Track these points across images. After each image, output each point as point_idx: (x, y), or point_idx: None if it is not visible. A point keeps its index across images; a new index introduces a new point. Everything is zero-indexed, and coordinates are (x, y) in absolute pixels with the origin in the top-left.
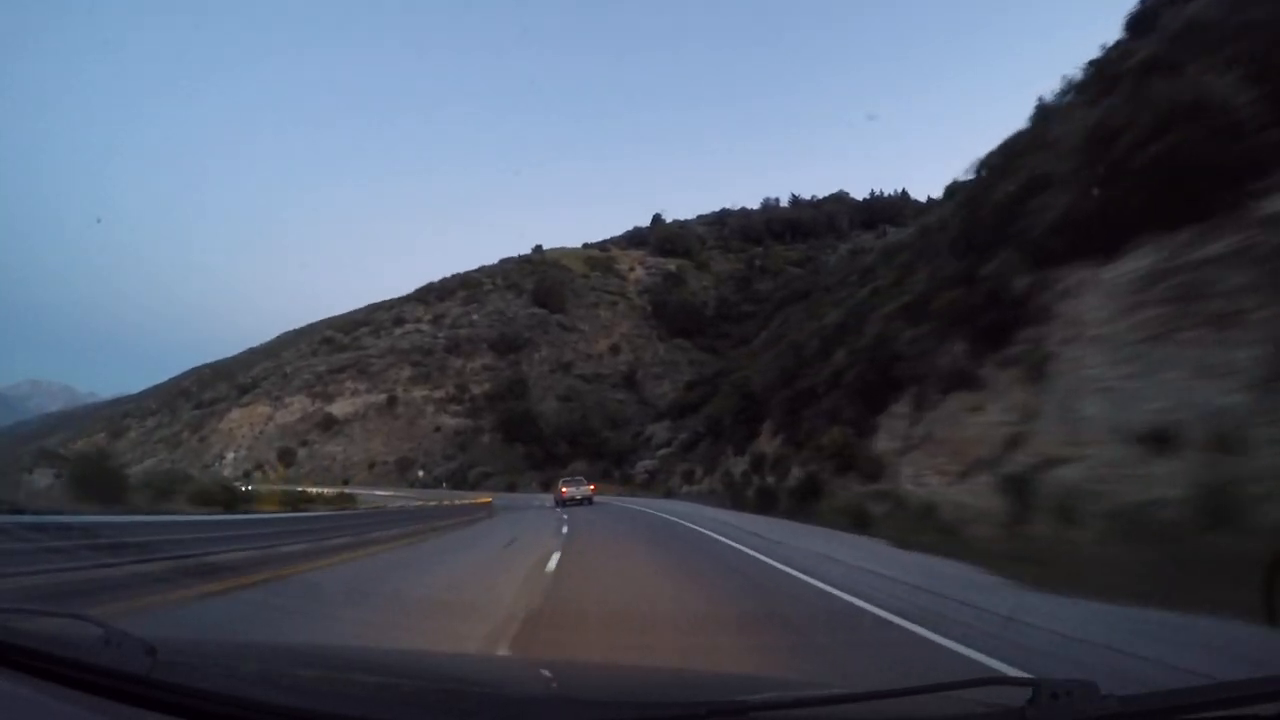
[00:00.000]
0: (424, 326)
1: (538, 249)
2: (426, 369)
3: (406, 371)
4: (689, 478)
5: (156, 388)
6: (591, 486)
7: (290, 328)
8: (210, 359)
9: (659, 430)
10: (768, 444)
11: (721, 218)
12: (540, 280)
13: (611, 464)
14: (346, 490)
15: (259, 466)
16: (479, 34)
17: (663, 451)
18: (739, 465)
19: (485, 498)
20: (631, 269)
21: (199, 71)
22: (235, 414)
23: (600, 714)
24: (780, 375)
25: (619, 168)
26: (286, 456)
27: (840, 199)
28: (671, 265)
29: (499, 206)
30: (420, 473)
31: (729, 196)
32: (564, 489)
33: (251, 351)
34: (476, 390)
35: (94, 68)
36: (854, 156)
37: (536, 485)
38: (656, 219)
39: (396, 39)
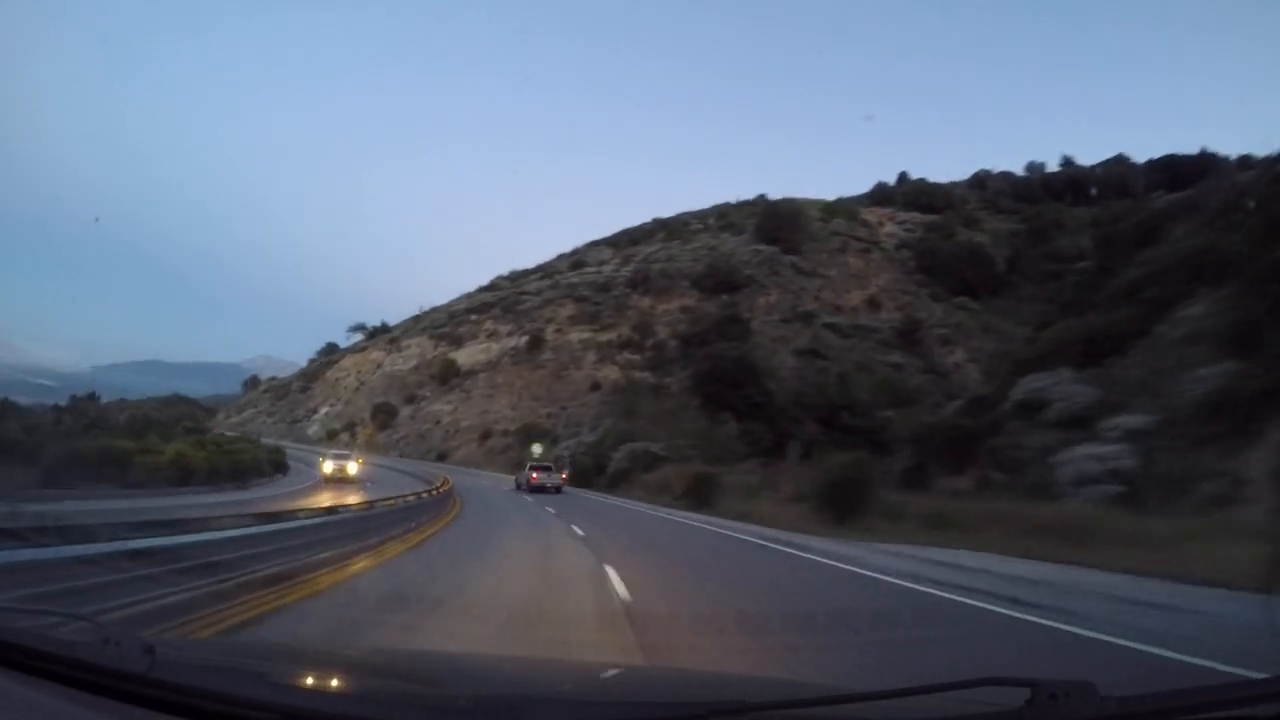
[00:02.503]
0: (607, 268)
1: (760, 197)
2: (596, 306)
3: (567, 309)
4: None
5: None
6: (563, 475)
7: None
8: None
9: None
10: None
11: (980, 180)
12: (767, 216)
13: (935, 458)
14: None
15: (349, 426)
16: None
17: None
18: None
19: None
20: (880, 223)
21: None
22: (346, 362)
23: (600, 714)
24: None
25: (851, 130)
26: (382, 416)
27: (1122, 160)
28: (930, 220)
29: (717, 166)
30: (536, 450)
31: (971, 162)
32: (534, 474)
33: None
34: (665, 335)
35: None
36: (1129, 117)
37: (778, 493)
38: (903, 177)
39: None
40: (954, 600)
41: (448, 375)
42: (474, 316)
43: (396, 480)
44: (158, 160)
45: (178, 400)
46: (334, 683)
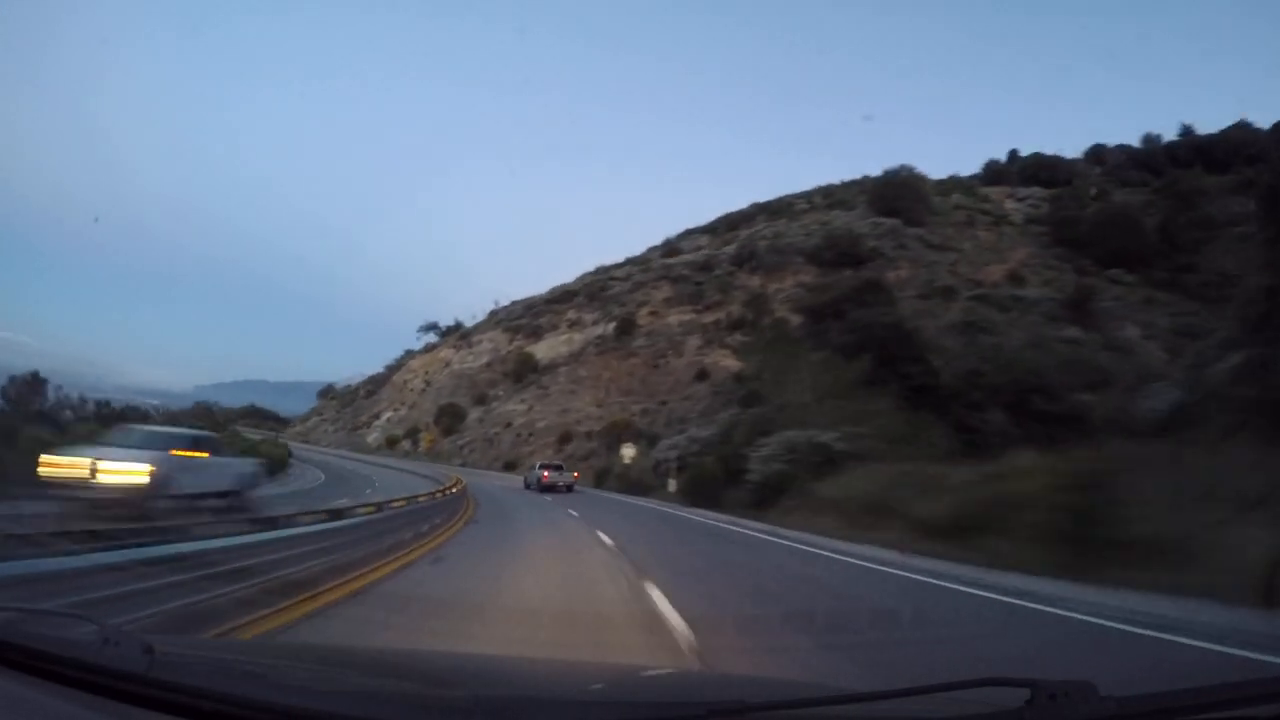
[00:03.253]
0: (703, 252)
1: (865, 177)
2: (697, 286)
3: (662, 291)
4: None
5: None
6: (575, 475)
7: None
8: None
9: None
10: None
11: (1097, 153)
12: (885, 186)
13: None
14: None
15: (412, 433)
16: None
17: None
18: None
19: None
20: (1000, 200)
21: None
22: (415, 363)
23: (600, 714)
24: None
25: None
26: (448, 419)
27: (1243, 127)
28: (1056, 194)
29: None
30: (628, 453)
31: (1079, 139)
32: (546, 473)
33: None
34: (784, 313)
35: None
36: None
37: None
38: (1013, 155)
39: None
40: None
41: (523, 371)
42: (555, 306)
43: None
44: (241, 193)
45: (253, 412)
46: (334, 683)
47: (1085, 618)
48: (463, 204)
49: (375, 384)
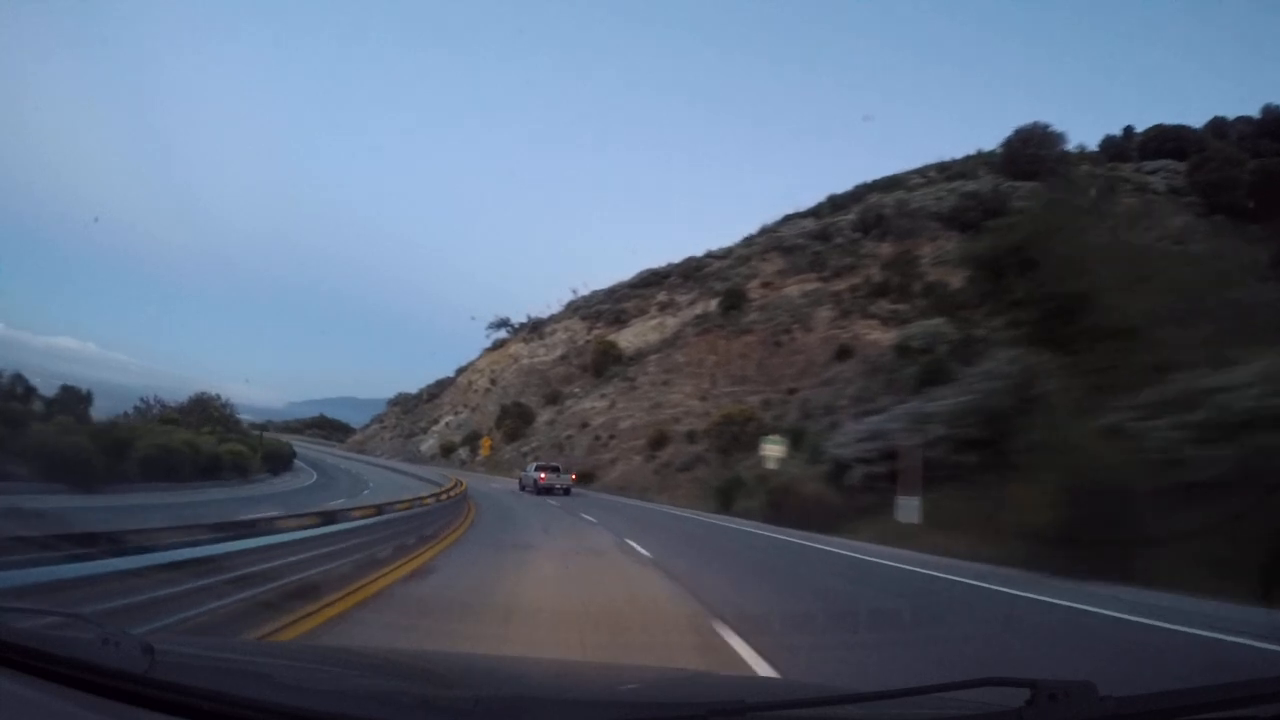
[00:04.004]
0: (820, 222)
1: (979, 152)
2: (817, 254)
3: (773, 263)
4: None
5: None
6: (573, 476)
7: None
8: None
9: None
10: None
11: (1218, 126)
12: (1019, 144)
13: None
14: None
15: (472, 438)
16: None
17: None
18: None
19: None
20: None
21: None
22: (482, 362)
23: (600, 714)
24: None
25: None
26: (513, 422)
27: None
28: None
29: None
30: (774, 451)
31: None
32: (542, 475)
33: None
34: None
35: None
36: None
37: None
38: (1128, 130)
39: None
40: None
41: (604, 363)
42: (642, 291)
43: None
44: (327, 217)
45: (321, 423)
46: (334, 683)
47: None
48: (542, 199)
49: (440, 387)
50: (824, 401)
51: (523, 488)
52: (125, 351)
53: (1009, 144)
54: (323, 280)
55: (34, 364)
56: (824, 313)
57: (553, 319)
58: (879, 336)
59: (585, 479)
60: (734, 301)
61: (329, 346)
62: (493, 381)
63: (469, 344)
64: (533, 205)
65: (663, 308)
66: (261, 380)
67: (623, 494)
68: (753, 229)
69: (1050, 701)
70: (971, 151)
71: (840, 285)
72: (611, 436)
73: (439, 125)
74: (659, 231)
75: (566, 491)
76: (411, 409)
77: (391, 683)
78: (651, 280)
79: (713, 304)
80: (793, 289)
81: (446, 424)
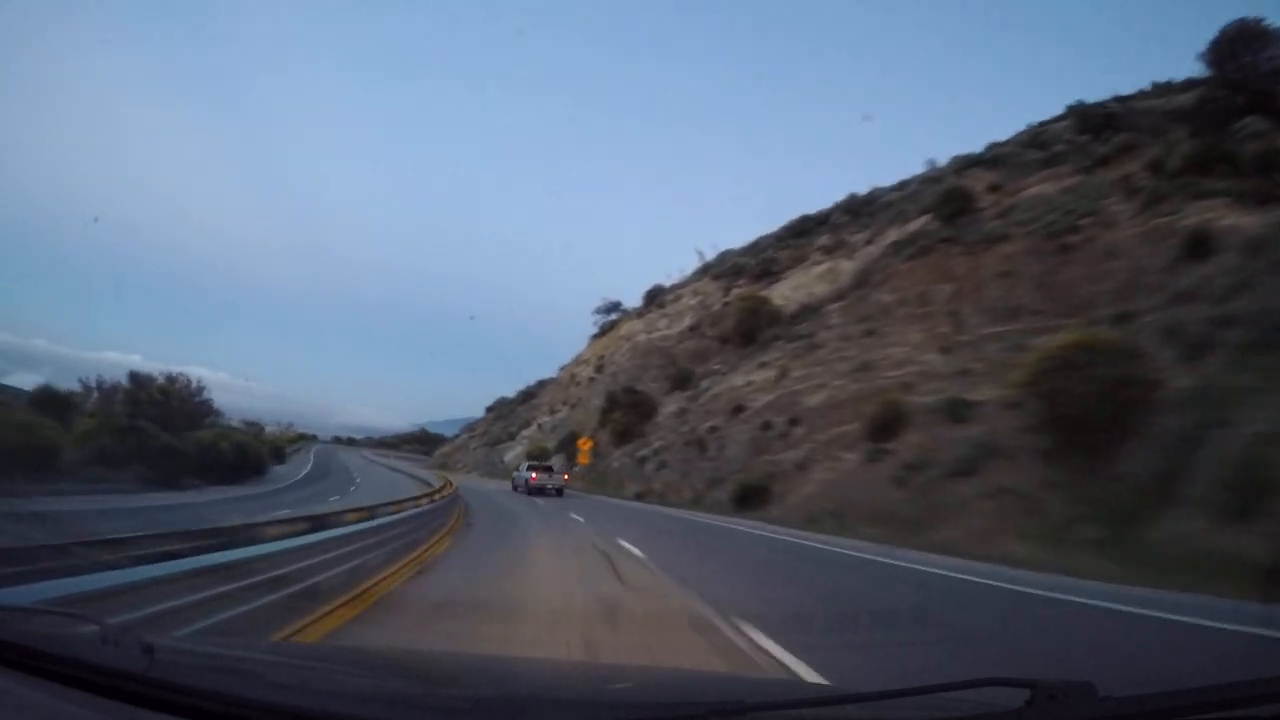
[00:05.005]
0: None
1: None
2: (1045, 157)
3: (981, 179)
4: None
5: None
6: (564, 476)
7: None
8: None
9: None
10: None
11: None
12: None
13: None
14: None
15: (568, 442)
16: None
17: None
18: None
19: None
20: None
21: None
22: (588, 351)
23: (600, 714)
24: None
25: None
26: (623, 416)
27: None
28: None
29: None
30: None
31: None
32: (534, 475)
33: None
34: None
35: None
36: None
37: None
38: None
39: None
40: None
41: (755, 325)
42: (794, 243)
43: None
44: (441, 241)
45: (420, 437)
46: (334, 683)
47: None
48: (655, 171)
49: (540, 387)
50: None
51: (515, 489)
52: (255, 379)
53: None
54: (446, 302)
55: None
56: (1115, 206)
57: (676, 287)
58: (1240, 221)
59: (753, 499)
60: (960, 205)
61: (450, 367)
62: (598, 369)
63: (580, 339)
64: (646, 179)
65: (828, 250)
66: (389, 404)
67: (835, 531)
68: (918, 168)
69: (1050, 701)
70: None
71: (1113, 173)
72: (793, 423)
73: (543, 113)
74: (797, 183)
75: (559, 492)
76: (506, 414)
77: (391, 682)
78: (803, 229)
79: (920, 221)
80: (1042, 188)
81: (539, 426)
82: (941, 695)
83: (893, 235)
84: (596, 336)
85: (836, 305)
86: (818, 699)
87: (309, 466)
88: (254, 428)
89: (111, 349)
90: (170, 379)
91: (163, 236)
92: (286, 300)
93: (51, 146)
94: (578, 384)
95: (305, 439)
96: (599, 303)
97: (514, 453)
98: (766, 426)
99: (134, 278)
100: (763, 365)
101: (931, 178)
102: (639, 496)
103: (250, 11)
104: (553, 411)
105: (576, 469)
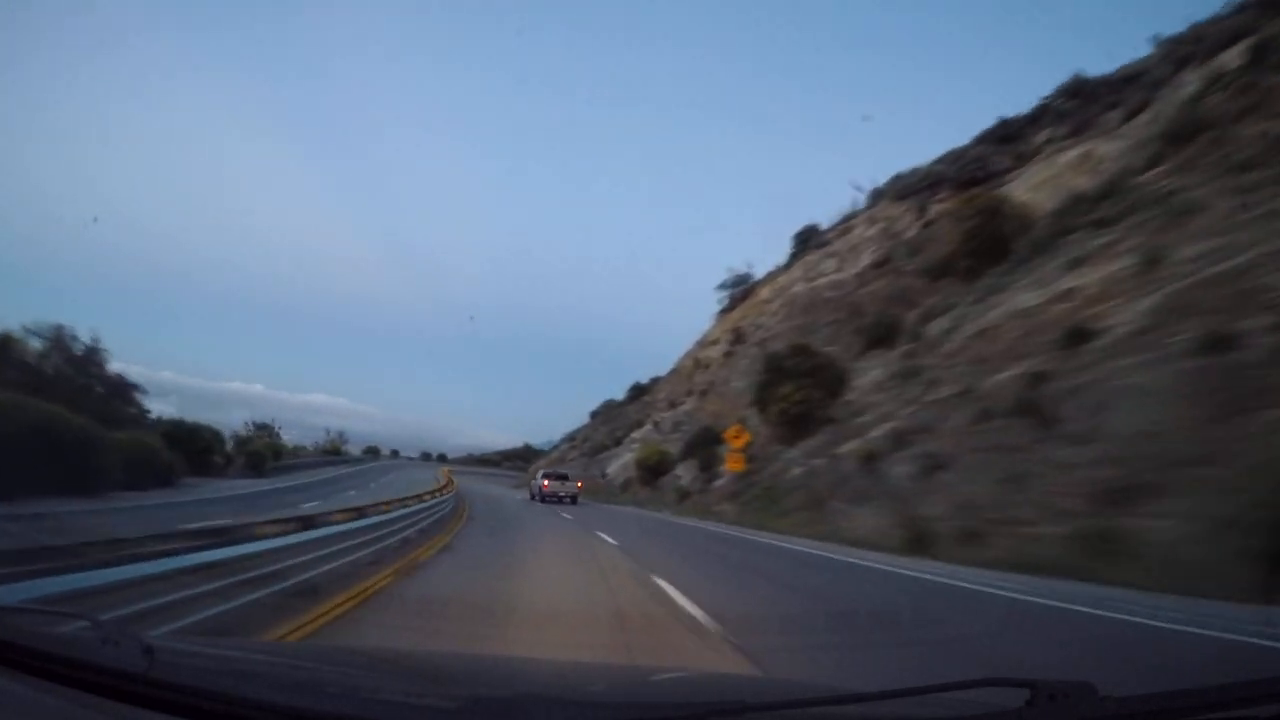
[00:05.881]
0: None
1: None
2: None
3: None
4: None
5: None
6: (579, 484)
7: None
8: None
9: None
10: None
11: None
12: None
13: None
14: None
15: (700, 445)
16: None
17: None
18: None
19: None
20: None
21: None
22: (717, 329)
23: (600, 714)
24: None
25: None
26: (798, 387)
27: None
28: None
29: None
30: None
31: None
32: (546, 482)
33: None
34: None
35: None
36: None
37: None
38: None
39: None
40: None
41: (995, 238)
42: (1009, 147)
43: None
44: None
45: (528, 451)
46: (334, 683)
47: None
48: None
49: (653, 383)
50: None
51: (532, 497)
52: (373, 404)
53: None
54: (554, 316)
55: (292, 418)
56: None
57: (840, 224)
58: None
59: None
60: None
61: (557, 381)
62: (735, 340)
63: (696, 327)
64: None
65: (1076, 132)
66: (501, 423)
67: None
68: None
69: (1050, 702)
70: None
71: None
72: None
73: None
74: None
75: (573, 500)
76: (612, 417)
77: (391, 682)
78: (1005, 134)
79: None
80: None
81: (655, 425)
82: (941, 695)
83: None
84: (725, 311)
85: (1153, 172)
86: (817, 699)
87: (301, 479)
88: (265, 431)
89: (236, 379)
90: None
91: (282, 276)
92: (411, 333)
93: (186, 194)
94: (704, 368)
95: (370, 454)
96: (724, 277)
97: (620, 462)
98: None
99: (261, 317)
100: (1077, 264)
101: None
102: (919, 545)
103: (377, 62)
104: (673, 405)
105: (721, 481)
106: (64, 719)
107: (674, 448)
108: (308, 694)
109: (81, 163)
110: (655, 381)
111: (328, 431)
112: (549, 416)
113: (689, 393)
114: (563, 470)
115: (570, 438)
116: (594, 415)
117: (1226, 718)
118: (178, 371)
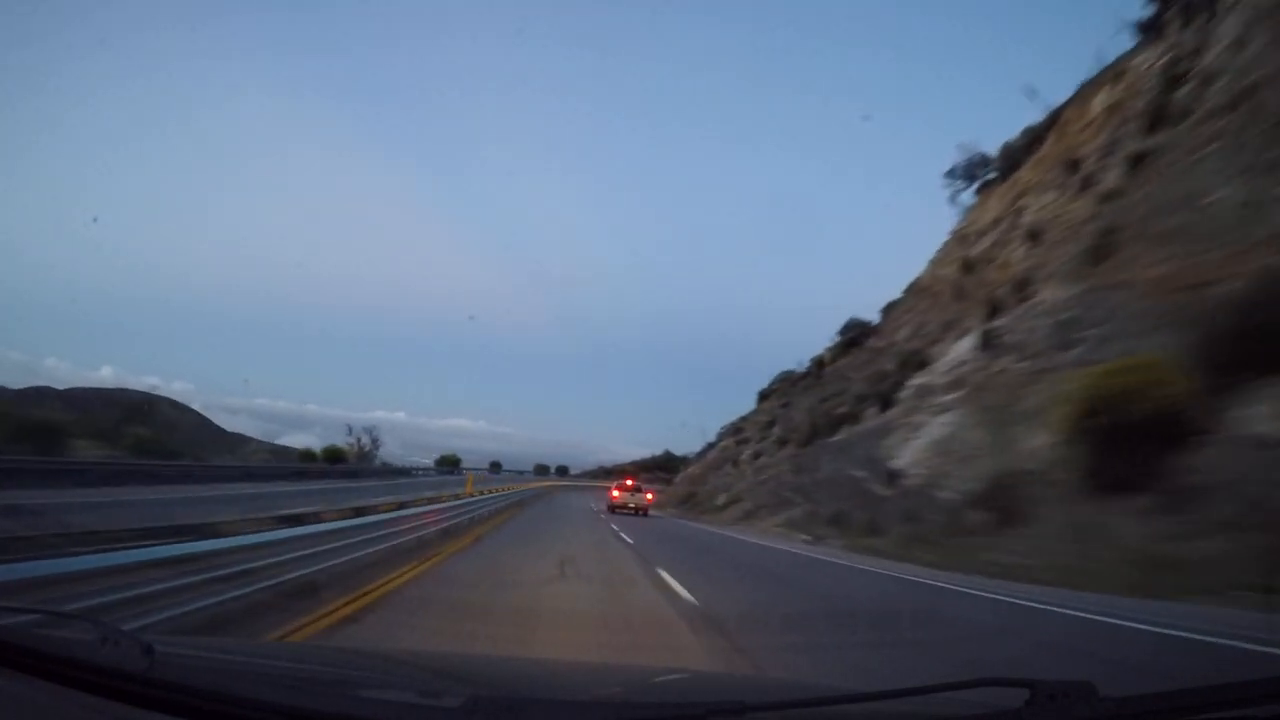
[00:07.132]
0: None
1: None
2: None
3: None
4: None
5: None
6: (649, 495)
7: None
8: None
9: None
10: None
11: None
12: None
13: None
14: None
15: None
16: None
17: None
18: None
19: None
20: None
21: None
22: (984, 213)
23: (600, 714)
24: None
25: None
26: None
27: None
28: None
29: None
30: None
31: None
32: (615, 493)
33: None
34: None
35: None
36: None
37: None
38: None
39: None
40: None
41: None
42: None
43: None
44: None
45: (668, 459)
46: (334, 683)
47: None
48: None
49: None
50: None
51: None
52: (511, 425)
53: None
54: (693, 315)
55: (433, 442)
56: None
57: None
58: None
59: None
60: None
61: (694, 387)
62: (1029, 235)
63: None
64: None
65: None
66: (637, 435)
67: None
68: None
69: (1049, 701)
70: None
71: None
72: None
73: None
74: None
75: (642, 512)
76: (795, 393)
77: (391, 682)
78: None
79: None
80: None
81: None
82: (941, 695)
83: None
84: (968, 212)
85: None
86: (817, 699)
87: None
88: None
89: (380, 408)
90: None
91: (433, 315)
92: (547, 356)
93: (309, 238)
94: (978, 267)
95: (448, 463)
96: (949, 164)
97: (925, 439)
98: None
99: (408, 351)
100: None
101: None
102: None
103: (502, 96)
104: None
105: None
106: (64, 719)
107: (935, 456)
108: (308, 694)
109: (257, 212)
110: (891, 308)
111: (451, 452)
112: (692, 420)
113: (931, 316)
114: (633, 482)
115: (734, 429)
116: (766, 396)
117: (1225, 717)
118: (320, 404)
